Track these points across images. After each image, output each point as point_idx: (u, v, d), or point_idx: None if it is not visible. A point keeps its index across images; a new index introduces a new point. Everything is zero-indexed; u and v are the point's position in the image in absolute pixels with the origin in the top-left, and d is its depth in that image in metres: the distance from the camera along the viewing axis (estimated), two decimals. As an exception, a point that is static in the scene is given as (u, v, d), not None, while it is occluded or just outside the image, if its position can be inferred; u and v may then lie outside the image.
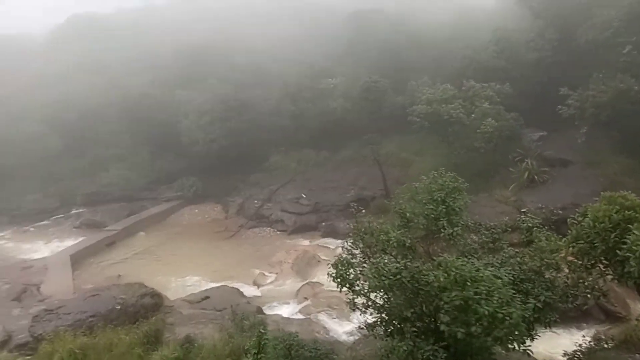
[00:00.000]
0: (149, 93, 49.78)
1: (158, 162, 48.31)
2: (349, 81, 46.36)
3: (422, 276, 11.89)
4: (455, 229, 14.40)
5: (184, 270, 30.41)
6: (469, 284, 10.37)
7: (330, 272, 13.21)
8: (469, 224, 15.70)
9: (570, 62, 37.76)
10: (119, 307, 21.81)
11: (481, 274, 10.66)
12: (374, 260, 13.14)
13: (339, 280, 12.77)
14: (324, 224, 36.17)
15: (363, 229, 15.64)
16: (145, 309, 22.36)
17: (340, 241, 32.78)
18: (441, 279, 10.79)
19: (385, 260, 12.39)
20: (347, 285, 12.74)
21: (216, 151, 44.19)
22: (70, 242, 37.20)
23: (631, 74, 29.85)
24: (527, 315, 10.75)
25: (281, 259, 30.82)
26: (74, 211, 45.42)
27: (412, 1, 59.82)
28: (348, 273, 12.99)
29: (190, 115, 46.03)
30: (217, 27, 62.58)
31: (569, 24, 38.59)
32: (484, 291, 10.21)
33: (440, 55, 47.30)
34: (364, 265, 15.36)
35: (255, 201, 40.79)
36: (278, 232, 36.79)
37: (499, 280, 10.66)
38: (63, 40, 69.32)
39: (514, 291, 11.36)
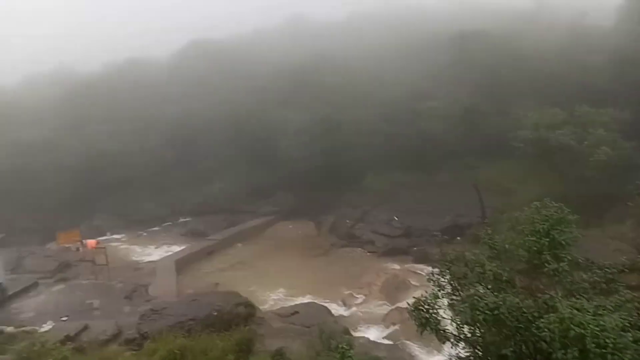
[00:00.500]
0: (252, 112, 52.77)
1: (257, 177, 50.72)
2: (448, 103, 45.37)
3: (522, 314, 11.15)
4: (561, 264, 13.31)
5: (276, 283, 31.35)
6: (588, 337, 9.24)
7: (410, 311, 12.82)
8: (579, 260, 14.41)
9: None
10: (215, 313, 22.92)
11: (603, 323, 9.56)
12: (469, 293, 12.56)
13: (419, 323, 12.39)
14: (415, 248, 35.36)
15: (454, 258, 15.06)
16: (239, 318, 23.25)
17: (432, 268, 31.82)
18: (554, 330, 9.69)
19: (482, 294, 11.79)
20: (429, 329, 12.30)
21: (311, 169, 45.37)
22: (176, 248, 40.15)
23: None
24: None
25: (370, 280, 30.58)
26: (181, 220, 49.18)
27: (519, 22, 57.46)
28: (431, 314, 12.54)
29: (289, 133, 47.86)
30: (318, 50, 64.84)
31: None
32: (610, 344, 9.03)
33: (549, 78, 44.57)
34: (453, 297, 14.72)
35: (347, 221, 41.07)
36: (368, 253, 36.61)
37: (629, 335, 9.45)
38: (182, 64, 76.16)
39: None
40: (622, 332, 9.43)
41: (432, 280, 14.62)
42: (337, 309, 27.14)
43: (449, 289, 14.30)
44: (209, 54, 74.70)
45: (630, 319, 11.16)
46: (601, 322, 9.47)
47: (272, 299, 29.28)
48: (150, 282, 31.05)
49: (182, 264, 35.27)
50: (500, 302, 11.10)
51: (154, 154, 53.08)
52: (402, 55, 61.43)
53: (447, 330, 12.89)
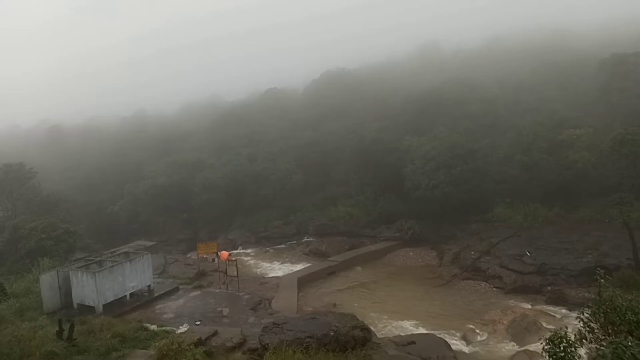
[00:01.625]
0: (380, 138, 53.32)
1: (380, 202, 50.80)
2: (597, 132, 41.09)
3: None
4: None
5: (393, 310, 30.74)
6: None
7: (543, 347, 11.83)
8: None
9: None
10: (332, 333, 23.10)
11: None
12: (616, 339, 11.23)
13: (552, 358, 11.39)
14: (549, 287, 32.00)
15: (607, 302, 13.52)
16: (354, 341, 23.16)
17: (568, 311, 28.71)
18: None
19: (631, 343, 10.51)
20: None
21: (438, 197, 44.11)
22: (299, 266, 41.74)
23: None
24: None
25: (495, 317, 28.38)
26: (305, 239, 51.11)
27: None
28: (567, 353, 11.41)
29: (416, 160, 47.29)
30: (450, 77, 63.79)
31: None
32: None
33: None
34: (602, 343, 13.20)
35: (472, 252, 38.87)
36: (494, 289, 34.09)
37: None
38: (316, 93, 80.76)
39: None
40: None
41: (581, 319, 13.43)
42: (457, 344, 25.61)
43: (599, 333, 12.95)
44: (341, 83, 78.11)
45: None
46: None
47: (389, 325, 28.69)
48: (273, 296, 32.53)
49: (303, 282, 36.45)
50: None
51: (285, 176, 56.45)
52: (544, 81, 57.82)
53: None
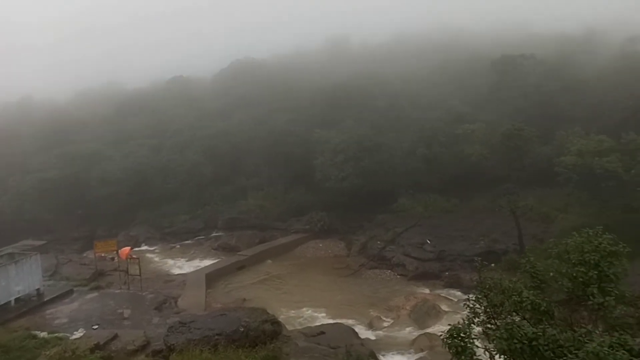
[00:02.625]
0: (290, 130, 53.24)
1: (291, 194, 50.89)
2: (488, 127, 44.36)
3: (558, 347, 10.53)
4: (608, 298, 12.48)
5: (303, 302, 31.01)
6: None
7: (444, 340, 12.44)
8: (626, 294, 13.48)
9: None
10: (242, 329, 22.69)
11: None
12: (507, 321, 12.03)
13: (454, 352, 11.97)
14: (447, 273, 34.31)
15: (491, 285, 14.49)
16: (265, 335, 22.96)
17: (463, 294, 30.78)
18: None
19: (521, 323, 11.32)
20: (463, 358, 11.82)
21: (346, 189, 45.12)
22: (207, 262, 40.51)
23: None
24: None
25: (399, 304, 29.78)
26: (214, 234, 49.67)
27: (569, 47, 56.20)
28: (466, 343, 12.08)
29: (326, 153, 47.91)
30: (358, 71, 65.28)
31: None
32: None
33: (597, 104, 43.15)
34: (488, 325, 14.14)
35: (379, 242, 40.41)
36: (398, 276, 35.78)
37: None
38: (225, 82, 78.53)
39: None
40: None
41: (468, 306, 14.18)
42: (364, 331, 26.48)
43: (484, 316, 13.75)
44: (250, 73, 76.67)
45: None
46: None
47: (299, 317, 28.92)
48: (180, 295, 31.30)
49: (212, 278, 35.47)
50: (540, 333, 10.57)
51: (193, 168, 54.35)
52: (443, 78, 61.22)
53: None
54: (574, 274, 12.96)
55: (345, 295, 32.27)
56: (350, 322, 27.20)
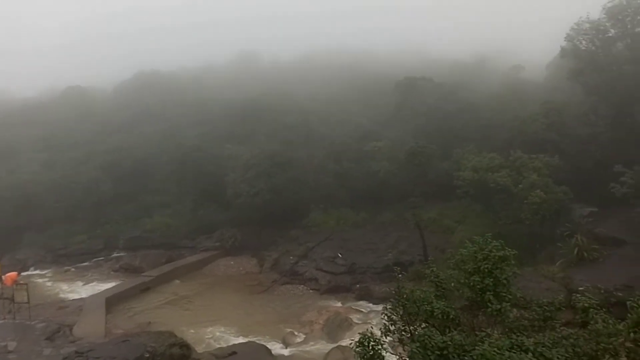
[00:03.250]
0: (199, 146, 51.71)
1: (200, 211, 49.24)
2: (394, 145, 46.74)
3: (464, 352, 11.17)
4: (504, 304, 13.55)
5: (214, 322, 29.91)
6: None
7: (354, 348, 12.72)
8: (518, 297, 14.74)
9: (626, 139, 36.55)
10: (147, 355, 21.43)
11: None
12: (420, 332, 12.54)
13: (363, 359, 12.31)
14: (358, 285, 35.11)
15: (405, 296, 15.05)
16: (172, 359, 21.88)
17: (373, 305, 31.73)
18: None
19: (431, 333, 11.86)
20: None
21: (259, 205, 44.62)
22: (108, 285, 37.65)
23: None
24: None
25: (312, 318, 29.82)
26: (114, 254, 46.46)
27: (463, 72, 61.08)
28: (375, 351, 12.47)
29: (237, 169, 47.18)
30: (269, 87, 65.57)
31: (625, 101, 37.83)
32: None
33: (488, 125, 47.19)
34: (403, 332, 14.65)
35: (291, 257, 40.40)
36: (311, 291, 35.93)
37: None
38: (128, 94, 74.55)
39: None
40: None
41: (385, 314, 14.56)
42: (277, 349, 26.11)
43: (400, 324, 14.23)
44: (156, 86, 73.66)
45: (567, 355, 11.46)
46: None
47: (209, 338, 27.79)
48: (76, 322, 28.70)
49: (113, 302, 33.02)
50: (449, 342, 11.12)
51: (91, 185, 50.63)
52: (350, 97, 63.50)
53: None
54: (471, 283, 13.98)
55: (258, 312, 31.68)
56: (263, 340, 26.70)
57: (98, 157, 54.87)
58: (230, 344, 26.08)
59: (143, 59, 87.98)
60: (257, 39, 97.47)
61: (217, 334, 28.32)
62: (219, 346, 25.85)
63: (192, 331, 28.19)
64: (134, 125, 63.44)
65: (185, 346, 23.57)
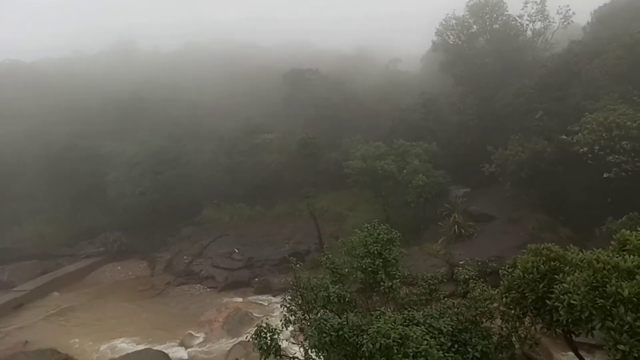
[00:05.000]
0: (73, 144, 47.21)
1: (79, 216, 45.26)
2: (285, 136, 47.05)
3: (361, 332, 11.73)
4: (395, 281, 14.50)
5: (104, 333, 27.75)
6: (395, 349, 10.47)
7: (252, 340, 12.88)
8: (406, 274, 15.88)
9: (490, 125, 40.83)
10: (25, 377, 19.31)
11: (411, 333, 10.76)
12: (315, 317, 12.90)
13: (261, 350, 12.51)
14: (257, 279, 35.01)
15: (302, 285, 15.34)
16: (57, 379, 20.01)
17: (273, 297, 31.91)
18: (371, 346, 10.77)
19: (327, 316, 12.27)
20: (272, 354, 12.46)
21: (145, 204, 42.20)
22: (-31, 306, 33.03)
23: (544, 136, 32.65)
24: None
25: (211, 317, 29.08)
26: (-23, 270, 40.84)
27: (347, 64, 63.32)
28: (272, 340, 12.73)
29: (119, 167, 44.06)
30: (149, 79, 61.97)
31: (488, 91, 42.21)
32: (411, 353, 10.34)
33: (373, 115, 49.61)
34: (303, 321, 14.97)
35: (185, 257, 38.96)
36: (208, 289, 35.00)
37: (431, 340, 10.84)
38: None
39: (450, 343, 11.59)
40: (426, 338, 10.75)
41: (285, 305, 14.76)
42: (176, 352, 25.06)
43: (300, 313, 14.52)
44: (16, 78, 65.61)
45: (452, 323, 12.63)
46: (405, 332, 10.67)
47: (100, 351, 25.78)
48: None
49: (-22, 324, 29.11)
50: (344, 322, 11.58)
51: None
52: (239, 89, 62.45)
53: (295, 357, 12.96)
54: (363, 266, 14.80)
55: (153, 317, 30.05)
56: (160, 345, 25.44)
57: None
58: (124, 353, 24.45)
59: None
60: (133, 25, 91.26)
61: (109, 344, 26.37)
62: (111, 357, 24.10)
63: (79, 344, 25.94)
64: (-8, 123, 55.92)
65: (71, 362, 21.69)
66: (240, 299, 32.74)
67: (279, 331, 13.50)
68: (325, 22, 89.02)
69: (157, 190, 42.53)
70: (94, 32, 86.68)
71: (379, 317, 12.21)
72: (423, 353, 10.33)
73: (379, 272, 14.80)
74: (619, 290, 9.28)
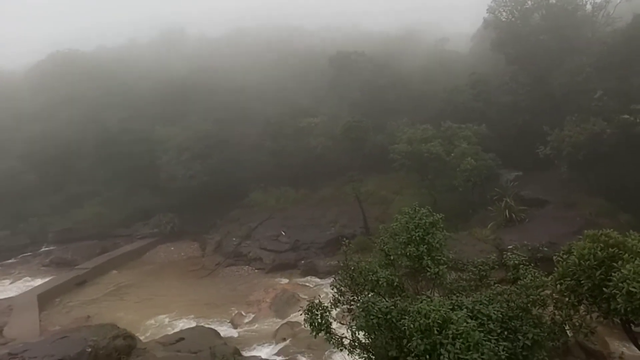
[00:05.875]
0: (127, 128, 49.24)
1: (134, 198, 47.30)
2: (330, 120, 46.96)
3: (407, 315, 11.69)
4: (441, 267, 14.27)
5: (158, 310, 29.19)
6: (436, 330, 10.35)
7: (304, 317, 13.04)
8: (451, 258, 15.57)
9: (544, 105, 39.03)
10: (89, 349, 20.60)
11: (453, 316, 10.58)
12: (364, 299, 12.98)
13: (312, 326, 12.66)
14: (303, 262, 35.51)
15: (352, 267, 15.41)
16: (117, 352, 21.23)
17: (319, 279, 32.30)
18: (411, 325, 10.69)
19: (376, 299, 12.29)
20: (322, 331, 12.57)
21: (195, 187, 43.57)
22: (39, 281, 35.55)
23: (603, 117, 30.91)
24: (503, 358, 10.53)
25: (259, 298, 29.93)
26: (43, 249, 43.79)
27: (393, 45, 62.06)
28: (323, 318, 12.86)
29: (170, 151, 45.56)
30: (198, 65, 63.18)
31: (542, 70, 40.24)
32: (451, 335, 10.19)
33: (420, 97, 48.55)
34: (352, 302, 15.08)
35: (234, 238, 40.02)
36: (256, 270, 35.90)
37: (473, 322, 10.61)
38: (44, 77, 68.81)
39: (499, 330, 11.33)
40: (467, 321, 10.48)
41: (334, 286, 14.94)
42: (226, 330, 26.01)
43: (349, 294, 14.67)
44: (75, 67, 68.71)
45: (502, 310, 12.34)
46: (447, 315, 10.45)
47: (155, 326, 27.15)
48: (6, 322, 26.99)
49: (46, 298, 31.27)
50: (392, 307, 11.57)
51: (10, 177, 47.01)
52: (284, 73, 62.61)
53: (343, 336, 13.09)
54: (407, 253, 14.62)
55: (204, 296, 31.25)
56: (211, 323, 26.48)
57: (17, 146, 50.84)
58: (177, 330, 25.64)
59: (58, 39, 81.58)
60: (182, 13, 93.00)
61: (163, 321, 27.72)
62: (165, 334, 25.31)
63: (136, 320, 27.38)
64: (55, 109, 59.00)
65: (129, 337, 22.90)
66: (286, 281, 33.41)
67: (330, 310, 13.70)
68: (369, 2, 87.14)
69: (207, 173, 43.76)
70: (148, 20, 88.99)
71: (425, 301, 12.12)
72: (464, 335, 10.13)
73: (424, 258, 14.59)
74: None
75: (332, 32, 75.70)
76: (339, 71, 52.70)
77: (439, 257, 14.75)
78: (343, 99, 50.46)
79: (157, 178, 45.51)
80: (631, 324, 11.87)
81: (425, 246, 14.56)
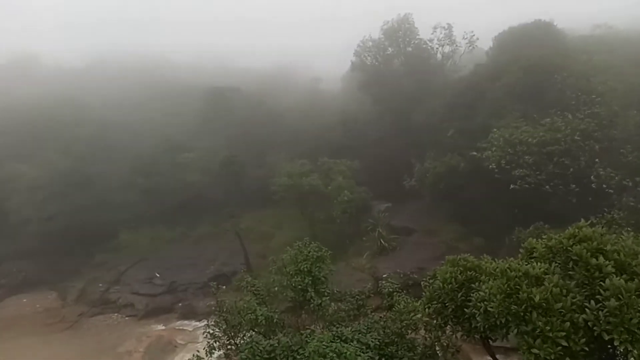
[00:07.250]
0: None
1: (-25, 246, 40.68)
2: (207, 155, 45.88)
3: (291, 352, 11.66)
4: (324, 298, 14.60)
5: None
6: None
7: None
8: (335, 291, 16.08)
9: (408, 141, 42.86)
10: None
11: (345, 350, 10.95)
12: (247, 340, 12.67)
13: None
14: (180, 304, 33.60)
15: (225, 309, 15.01)
16: None
17: (199, 322, 30.73)
18: None
19: (258, 339, 12.11)
20: None
21: (54, 230, 38.97)
22: None
23: (457, 152, 34.81)
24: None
25: (130, 348, 27.44)
26: None
27: (269, 83, 63.56)
28: None
29: (23, 191, 40.44)
30: (55, 95, 57.56)
31: (404, 109, 44.37)
32: None
33: (296, 132, 49.99)
34: (228, 347, 14.60)
35: (100, 284, 36.51)
36: (127, 318, 32.97)
37: (364, 355, 10.98)
38: None
39: (377, 357, 11.85)
40: (360, 354, 10.94)
41: (208, 332, 14.32)
42: (91, 391, 23.27)
43: (224, 339, 14.16)
44: None
45: (379, 337, 12.92)
46: (339, 350, 10.86)
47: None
48: None
49: None
50: (276, 344, 11.46)
51: None
52: (155, 105, 60.04)
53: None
54: (293, 284, 14.78)
55: (65, 353, 27.68)
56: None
57: None
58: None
59: None
60: (35, 39, 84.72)
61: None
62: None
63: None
64: None
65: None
66: (162, 327, 31.19)
67: (219, 348, 13.12)
68: (246, 42, 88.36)
69: (67, 215, 39.50)
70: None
71: (309, 336, 12.22)
72: None
73: (309, 290, 14.83)
74: (530, 296, 9.98)
75: (203, 65, 74.98)
76: (213, 106, 52.22)
77: (323, 290, 15.11)
78: (219, 134, 49.82)
79: (6, 222, 39.90)
80: (489, 340, 13.06)
81: (310, 278, 14.84)
